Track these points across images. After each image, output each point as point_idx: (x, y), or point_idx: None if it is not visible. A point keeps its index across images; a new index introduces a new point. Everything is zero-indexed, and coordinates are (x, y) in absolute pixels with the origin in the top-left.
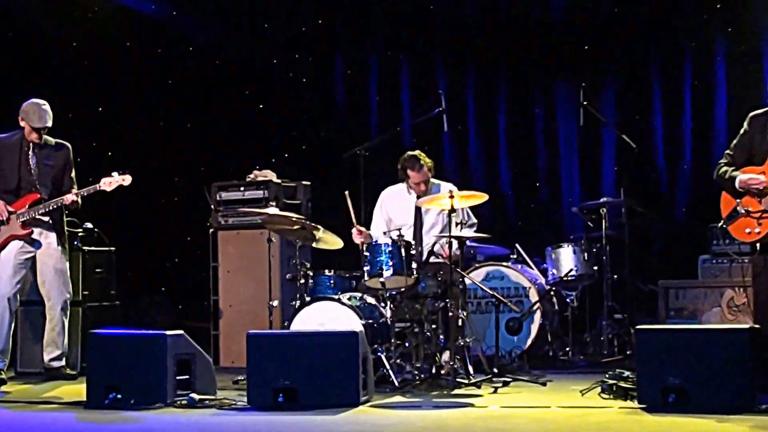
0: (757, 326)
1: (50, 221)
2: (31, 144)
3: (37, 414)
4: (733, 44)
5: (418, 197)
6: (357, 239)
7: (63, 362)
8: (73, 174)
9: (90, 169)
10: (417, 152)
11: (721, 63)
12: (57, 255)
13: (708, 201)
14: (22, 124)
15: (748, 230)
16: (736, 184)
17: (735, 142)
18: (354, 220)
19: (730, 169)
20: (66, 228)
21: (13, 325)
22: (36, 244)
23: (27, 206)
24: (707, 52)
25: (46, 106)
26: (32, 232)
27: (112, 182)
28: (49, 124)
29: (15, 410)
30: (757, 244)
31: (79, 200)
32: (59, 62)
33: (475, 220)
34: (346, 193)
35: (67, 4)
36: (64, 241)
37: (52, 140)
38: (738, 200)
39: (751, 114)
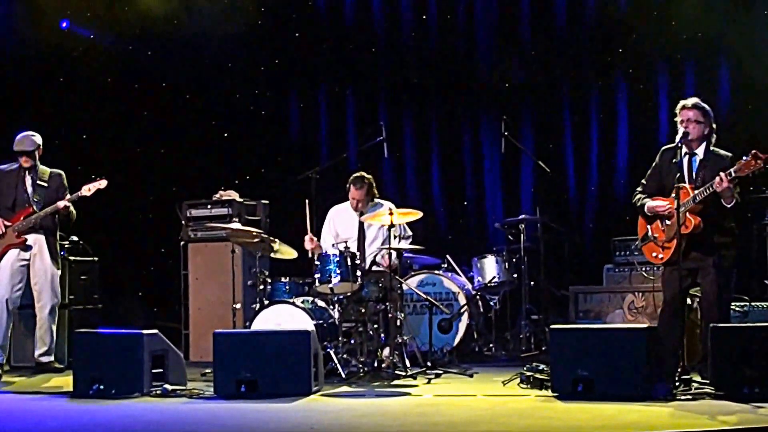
0: (654, 326)
1: (43, 230)
2: (27, 169)
3: (30, 402)
4: (632, 84)
5: (360, 214)
6: (308, 245)
7: (52, 357)
8: (67, 196)
9: (75, 190)
10: (364, 174)
11: (623, 99)
12: (49, 259)
13: (611, 217)
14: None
15: (654, 254)
16: (645, 210)
17: (648, 172)
18: (309, 228)
19: (643, 196)
20: (58, 238)
21: (11, 324)
22: (29, 248)
23: (22, 219)
24: (611, 90)
25: (28, 134)
26: (26, 240)
27: (91, 188)
28: (24, 148)
29: (10, 399)
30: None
31: (72, 208)
32: (48, 96)
33: (410, 234)
34: (307, 201)
35: (54, 46)
36: (56, 249)
37: (47, 169)
38: (649, 226)
39: (663, 148)
